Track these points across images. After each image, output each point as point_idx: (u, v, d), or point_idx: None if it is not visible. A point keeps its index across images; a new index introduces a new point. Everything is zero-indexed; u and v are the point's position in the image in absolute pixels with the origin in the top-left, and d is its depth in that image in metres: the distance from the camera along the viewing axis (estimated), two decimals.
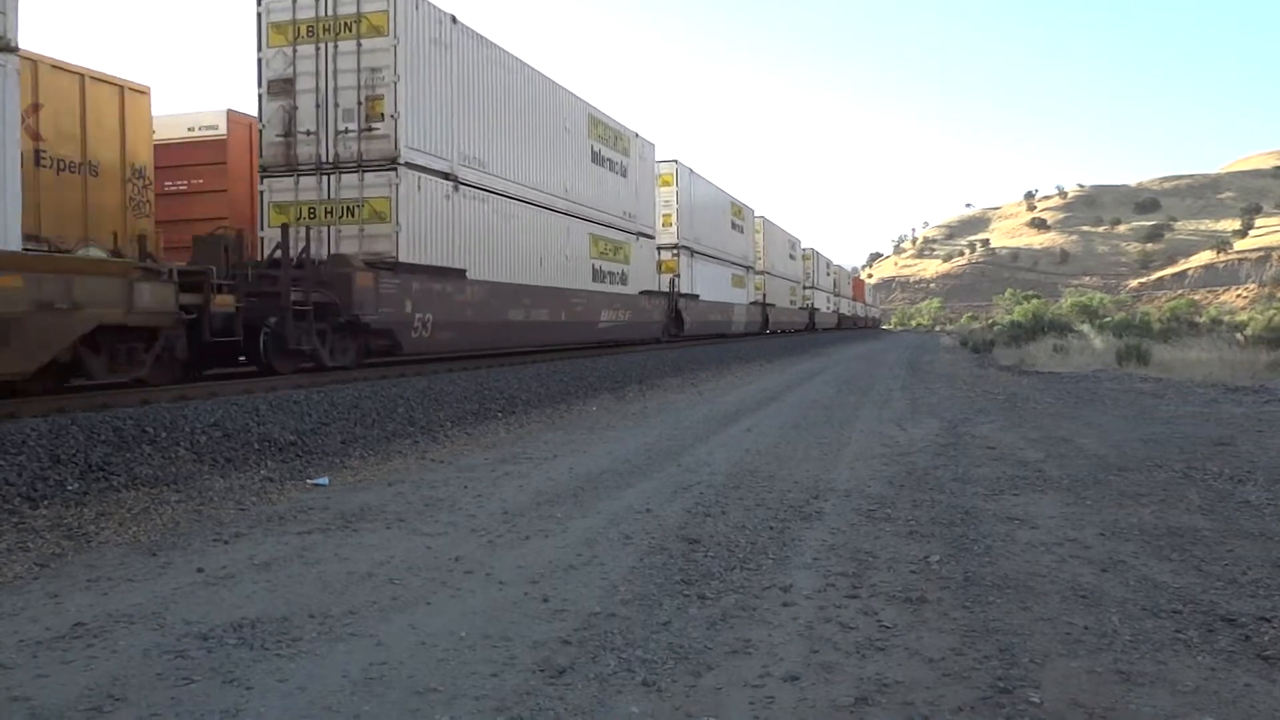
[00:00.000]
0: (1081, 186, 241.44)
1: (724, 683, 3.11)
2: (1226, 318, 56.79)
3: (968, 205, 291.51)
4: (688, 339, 28.11)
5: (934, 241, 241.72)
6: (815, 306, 54.51)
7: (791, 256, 48.05)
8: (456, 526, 5.41)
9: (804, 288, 51.56)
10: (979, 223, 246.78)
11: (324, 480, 6.92)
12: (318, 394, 9.50)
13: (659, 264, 25.94)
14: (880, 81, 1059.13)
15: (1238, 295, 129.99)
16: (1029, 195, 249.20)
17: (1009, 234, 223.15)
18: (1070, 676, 3.15)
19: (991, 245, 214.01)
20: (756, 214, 39.40)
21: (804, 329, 50.42)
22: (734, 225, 34.69)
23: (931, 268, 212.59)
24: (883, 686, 3.07)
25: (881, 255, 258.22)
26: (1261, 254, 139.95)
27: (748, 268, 36.70)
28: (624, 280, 21.91)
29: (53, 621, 3.70)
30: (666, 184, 26.75)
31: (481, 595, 4.09)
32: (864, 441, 9.14)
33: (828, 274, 62.22)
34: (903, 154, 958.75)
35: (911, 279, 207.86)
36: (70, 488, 5.85)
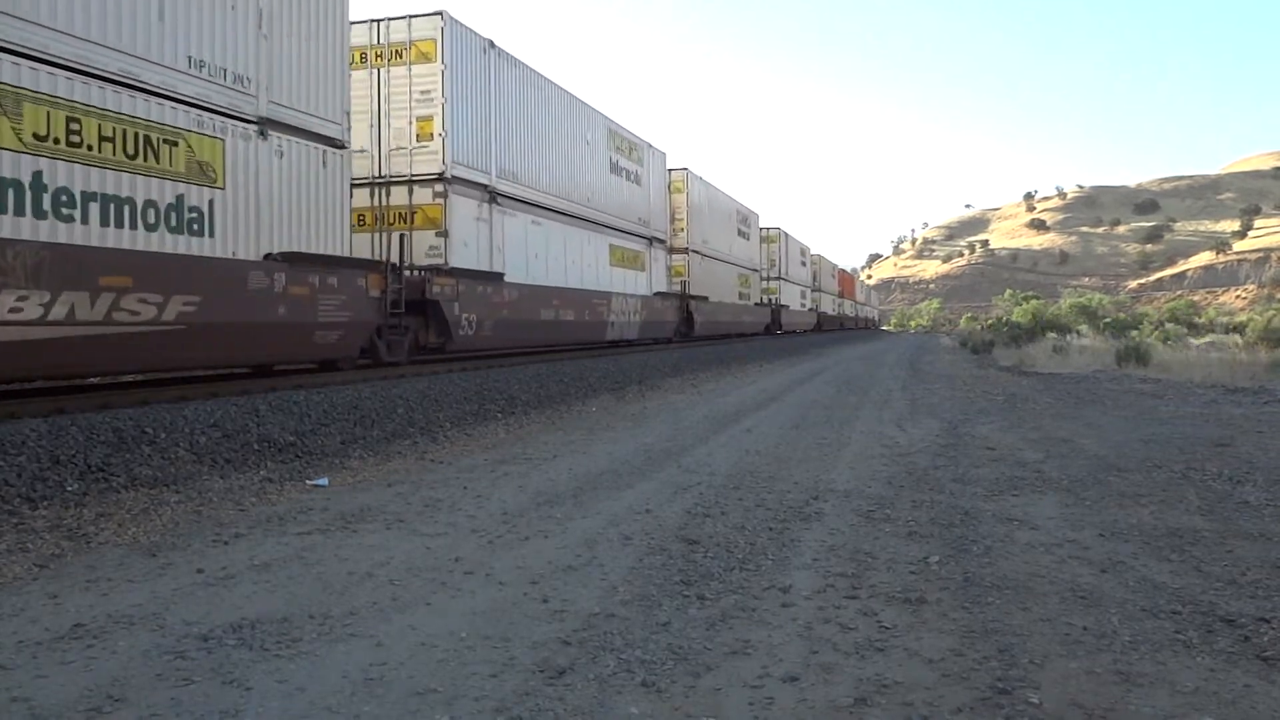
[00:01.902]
0: (1081, 187, 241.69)
1: (723, 683, 3.11)
2: (1225, 319, 56.76)
3: (967, 206, 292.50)
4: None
5: (933, 242, 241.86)
6: (782, 303, 43.15)
7: (743, 234, 35.78)
8: (456, 527, 5.41)
9: (765, 278, 40.58)
10: (978, 223, 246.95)
11: (323, 481, 6.92)
12: (317, 394, 9.50)
13: (410, 212, 13.86)
14: (880, 82, 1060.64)
15: (1237, 296, 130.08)
16: (1028, 196, 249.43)
17: (1008, 235, 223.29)
18: (1070, 677, 3.15)
19: (991, 246, 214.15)
20: (673, 162, 26.86)
21: (763, 332, 39.21)
22: (619, 169, 21.91)
23: (931, 268, 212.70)
24: (882, 687, 3.08)
25: (881, 256, 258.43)
26: (1261, 255, 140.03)
27: (651, 240, 24.17)
28: (200, 224, 9.22)
29: (52, 622, 3.70)
30: (424, 58, 13.84)
31: (481, 596, 4.09)
32: (864, 442, 9.14)
33: (803, 263, 50.87)
34: (902, 155, 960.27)
35: (911, 280, 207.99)
36: (70, 488, 5.85)
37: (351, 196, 12.34)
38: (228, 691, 3.01)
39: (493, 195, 15.39)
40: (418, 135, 13.91)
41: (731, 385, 16.95)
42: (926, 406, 12.91)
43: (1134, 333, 25.92)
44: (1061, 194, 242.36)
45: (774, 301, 41.89)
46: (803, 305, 50.31)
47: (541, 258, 17.45)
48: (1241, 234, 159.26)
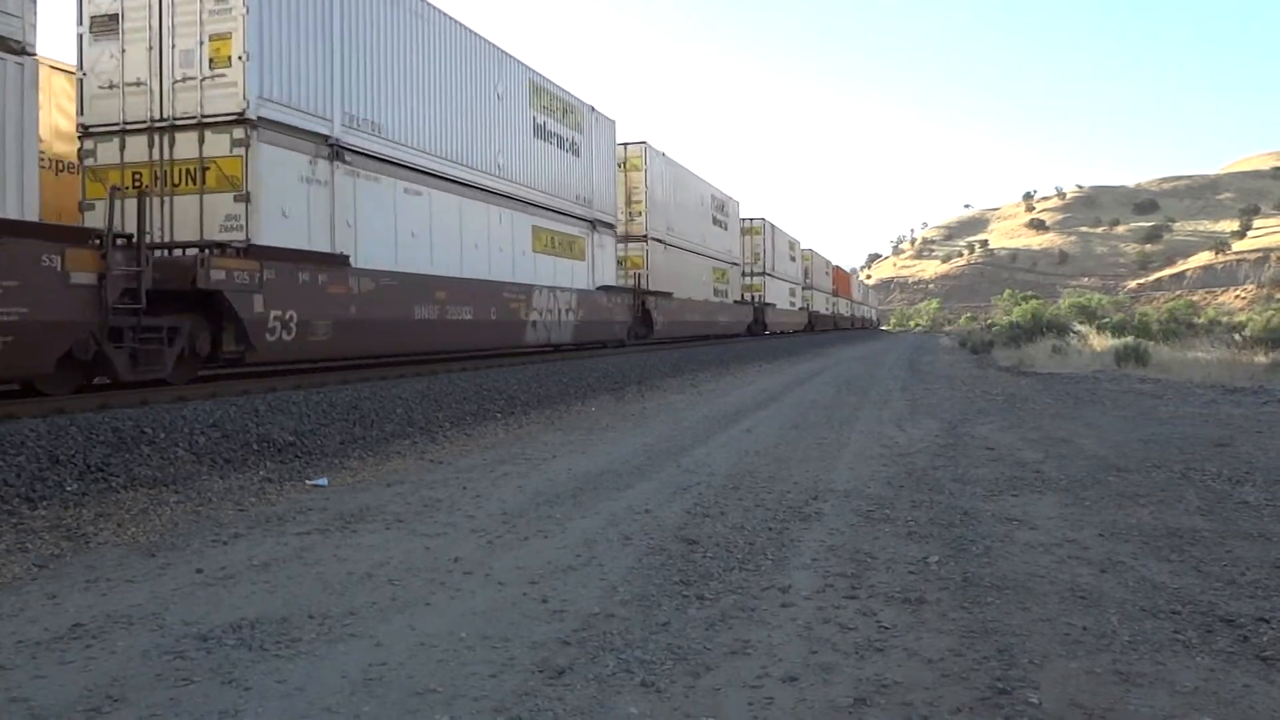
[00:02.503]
0: (1080, 187, 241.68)
1: (723, 683, 3.11)
2: (1225, 319, 56.76)
3: (966, 206, 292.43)
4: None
5: (933, 242, 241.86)
6: (767, 301, 39.87)
7: (720, 224, 32.25)
8: (455, 527, 5.41)
9: (748, 274, 37.84)
10: (978, 223, 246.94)
11: (323, 481, 6.92)
12: (316, 394, 9.50)
13: (201, 168, 10.21)
14: (880, 82, 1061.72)
15: (1236, 296, 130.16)
16: (1028, 196, 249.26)
17: (1008, 235, 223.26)
18: (1069, 677, 3.15)
19: (990, 246, 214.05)
20: (630, 135, 24.36)
21: (744, 333, 35.94)
22: (548, 134, 18.25)
23: (930, 268, 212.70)
24: (881, 687, 3.08)
25: (880, 256, 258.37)
26: (1260, 255, 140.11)
27: (595, 224, 20.51)
28: None
29: (51, 622, 3.70)
30: None
31: (481, 596, 4.09)
32: (863, 442, 9.14)
33: (792, 258, 47.20)
34: (901, 155, 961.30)
35: (910, 280, 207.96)
36: (69, 488, 5.85)
37: (100, 143, 9.38)
38: (227, 691, 3.01)
39: (336, 150, 11.53)
40: (211, 60, 10.05)
41: (731, 385, 16.95)
42: (926, 407, 12.91)
43: (1138, 339, 25.90)
44: (1061, 194, 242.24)
45: (758, 299, 38.54)
46: (792, 304, 46.59)
47: (422, 238, 13.35)
48: (1240, 234, 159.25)
